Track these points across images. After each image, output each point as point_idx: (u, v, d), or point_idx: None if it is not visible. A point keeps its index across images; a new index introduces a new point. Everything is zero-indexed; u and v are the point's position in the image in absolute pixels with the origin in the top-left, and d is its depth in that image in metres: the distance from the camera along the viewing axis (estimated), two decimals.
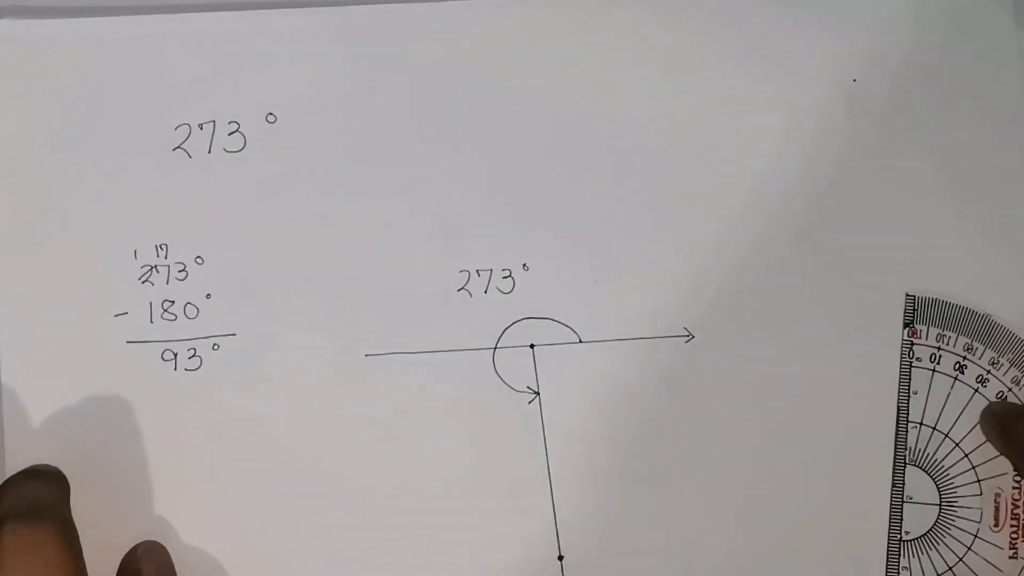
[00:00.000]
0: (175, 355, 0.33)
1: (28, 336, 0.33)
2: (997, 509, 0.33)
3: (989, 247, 0.34)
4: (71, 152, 0.33)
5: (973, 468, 0.33)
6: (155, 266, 0.33)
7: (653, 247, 0.33)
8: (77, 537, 0.27)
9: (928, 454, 0.33)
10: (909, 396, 0.33)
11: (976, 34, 0.34)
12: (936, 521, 0.33)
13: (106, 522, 0.32)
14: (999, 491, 0.33)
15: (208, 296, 0.33)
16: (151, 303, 0.33)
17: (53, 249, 0.33)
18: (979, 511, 0.33)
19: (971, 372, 0.33)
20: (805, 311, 0.33)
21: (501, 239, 0.33)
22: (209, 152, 0.33)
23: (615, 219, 0.33)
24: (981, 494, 0.33)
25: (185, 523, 0.32)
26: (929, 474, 0.33)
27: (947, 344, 0.33)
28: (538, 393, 0.33)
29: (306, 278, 0.33)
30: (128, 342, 0.33)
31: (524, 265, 0.33)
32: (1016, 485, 0.33)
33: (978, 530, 0.33)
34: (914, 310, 0.33)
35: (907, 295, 0.33)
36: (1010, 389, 0.33)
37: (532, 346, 0.33)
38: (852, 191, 0.34)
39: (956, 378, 0.33)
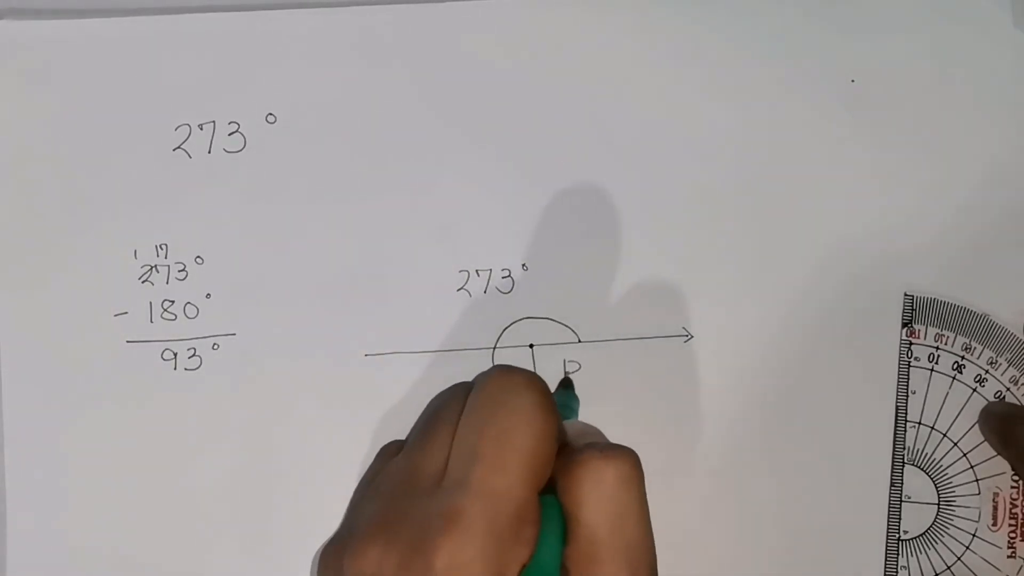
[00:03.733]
0: (175, 355, 0.33)
1: (28, 336, 0.33)
2: (995, 508, 0.33)
3: (988, 247, 0.34)
4: (71, 152, 0.33)
5: (971, 468, 0.33)
6: (155, 266, 0.33)
7: (653, 247, 0.33)
8: None
9: (926, 454, 0.33)
10: (908, 395, 0.33)
11: (975, 34, 0.34)
12: (934, 520, 0.33)
13: (106, 521, 0.32)
14: (997, 490, 0.33)
15: (208, 296, 0.33)
16: (151, 303, 0.33)
17: (53, 249, 0.33)
18: (977, 510, 0.33)
19: (969, 372, 0.33)
20: (804, 311, 0.33)
21: (501, 239, 0.33)
22: (209, 152, 0.33)
23: (615, 219, 0.34)
24: (979, 493, 0.33)
25: (185, 522, 0.32)
26: (927, 473, 0.33)
27: (945, 344, 0.33)
28: None
29: (306, 278, 0.33)
30: (128, 342, 0.33)
31: (524, 265, 0.33)
32: (1014, 484, 0.33)
33: (976, 529, 0.33)
34: (912, 310, 0.33)
35: (905, 295, 0.34)
36: (1008, 389, 0.33)
37: (531, 346, 0.33)
38: (851, 191, 0.34)
39: (954, 378, 0.33)
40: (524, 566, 0.22)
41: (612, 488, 0.23)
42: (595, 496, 0.23)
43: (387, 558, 0.22)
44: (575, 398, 0.32)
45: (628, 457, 0.24)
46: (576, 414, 0.31)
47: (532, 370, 0.25)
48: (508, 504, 0.22)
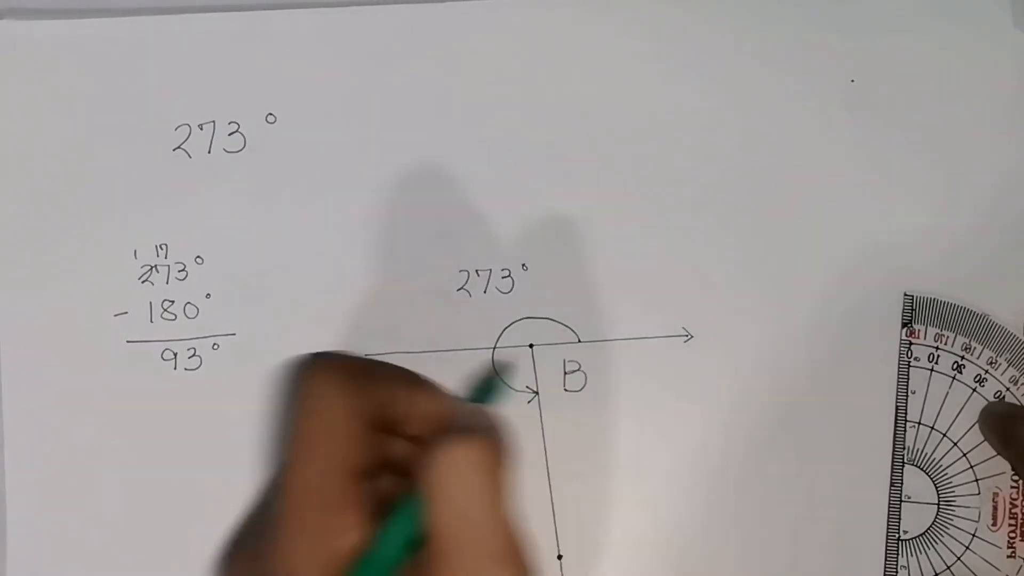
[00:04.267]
0: (175, 355, 0.33)
1: (28, 336, 0.33)
2: (995, 508, 0.33)
3: (988, 247, 0.34)
4: (71, 152, 0.33)
5: (971, 467, 0.33)
6: (155, 266, 0.33)
7: (653, 247, 0.33)
8: None
9: (926, 453, 0.33)
10: (907, 395, 0.33)
11: (975, 34, 0.34)
12: (934, 520, 0.33)
13: (106, 521, 0.32)
14: (997, 490, 0.33)
15: (208, 296, 0.33)
16: (151, 303, 0.33)
17: (53, 249, 0.33)
18: (977, 510, 0.33)
19: (969, 372, 0.33)
20: (803, 311, 0.33)
21: (501, 239, 0.33)
22: (209, 152, 0.33)
23: (615, 219, 0.34)
24: (979, 493, 0.33)
25: (185, 522, 0.32)
26: (927, 473, 0.33)
27: (945, 344, 0.33)
28: (537, 392, 0.33)
29: (306, 278, 0.33)
30: (128, 342, 0.33)
31: (524, 265, 0.33)
32: (1014, 484, 0.33)
33: (976, 529, 0.33)
34: (912, 310, 0.33)
35: (905, 295, 0.34)
36: (1008, 388, 0.33)
37: (531, 346, 0.33)
38: (851, 191, 0.34)
39: (954, 378, 0.33)
40: (355, 552, 0.22)
41: (463, 472, 0.22)
42: (445, 481, 0.22)
43: (244, 569, 0.23)
44: (501, 384, 0.31)
45: (483, 441, 0.23)
46: (495, 400, 0.30)
47: (335, 351, 0.25)
48: (315, 494, 0.22)
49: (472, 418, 0.25)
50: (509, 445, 0.23)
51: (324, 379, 0.23)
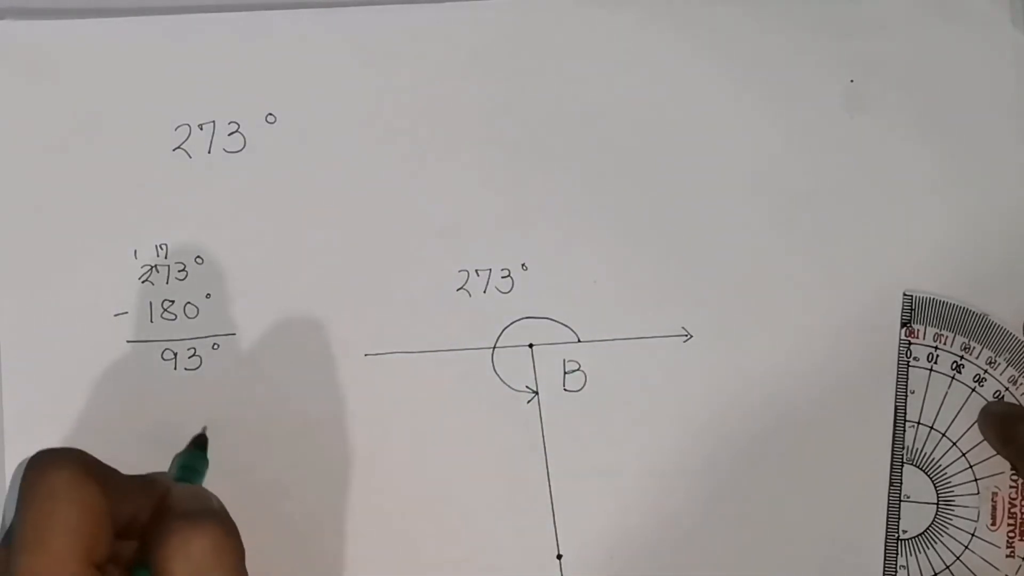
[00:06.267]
0: (175, 355, 0.33)
1: (28, 336, 0.33)
2: (994, 508, 0.33)
3: (987, 247, 0.34)
4: (71, 152, 0.33)
5: (970, 467, 0.33)
6: (155, 266, 0.33)
7: (652, 247, 0.34)
8: None
9: (925, 453, 0.33)
10: (907, 395, 0.33)
11: (974, 34, 0.34)
12: (933, 520, 0.33)
13: None
14: (996, 490, 0.33)
15: (208, 296, 0.33)
16: (151, 303, 0.33)
17: (53, 249, 0.33)
18: (976, 510, 0.33)
19: (968, 371, 0.33)
20: (803, 310, 0.33)
21: (501, 239, 0.33)
22: (209, 152, 0.33)
23: (614, 219, 0.34)
24: (978, 493, 0.33)
25: None
26: (926, 473, 0.33)
27: (944, 343, 0.34)
28: (537, 392, 0.33)
29: (306, 278, 0.33)
30: (128, 342, 0.33)
31: (523, 265, 0.33)
32: (1013, 484, 0.33)
33: (975, 529, 0.33)
34: (911, 309, 0.34)
35: (904, 294, 0.34)
36: (1007, 388, 0.33)
37: (531, 346, 0.33)
38: (850, 191, 0.34)
39: (953, 377, 0.33)
40: None
41: (199, 557, 0.22)
42: (181, 566, 0.22)
43: None
44: (203, 459, 0.31)
45: (218, 525, 0.23)
46: (202, 477, 0.30)
47: (67, 447, 0.25)
48: None
49: (192, 500, 0.26)
50: (233, 526, 0.24)
51: (69, 470, 0.24)
